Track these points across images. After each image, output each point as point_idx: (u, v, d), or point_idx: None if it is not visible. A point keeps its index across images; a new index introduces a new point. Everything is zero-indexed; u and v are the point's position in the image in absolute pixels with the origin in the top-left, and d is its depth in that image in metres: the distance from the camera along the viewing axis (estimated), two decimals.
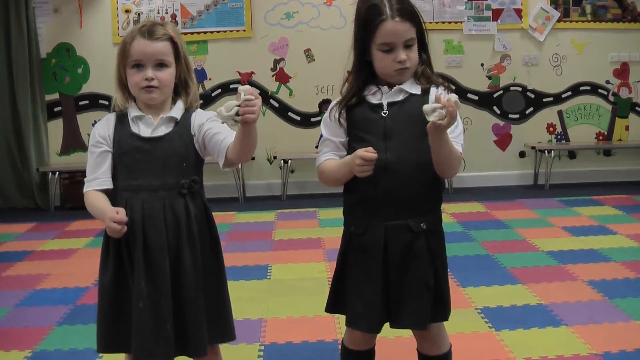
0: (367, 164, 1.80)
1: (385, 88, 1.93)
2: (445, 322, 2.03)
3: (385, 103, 1.91)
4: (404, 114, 1.90)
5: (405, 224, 1.91)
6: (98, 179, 1.93)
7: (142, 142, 1.92)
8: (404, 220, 1.91)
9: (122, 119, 1.95)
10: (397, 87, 1.92)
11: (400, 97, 1.92)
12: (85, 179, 1.96)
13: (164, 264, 1.90)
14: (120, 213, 1.82)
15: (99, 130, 1.95)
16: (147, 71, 1.88)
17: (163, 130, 1.94)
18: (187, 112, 1.98)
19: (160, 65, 1.90)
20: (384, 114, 1.91)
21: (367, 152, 1.80)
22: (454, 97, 1.75)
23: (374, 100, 1.93)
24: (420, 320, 1.93)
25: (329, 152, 1.97)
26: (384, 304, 1.93)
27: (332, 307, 2.05)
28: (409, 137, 1.88)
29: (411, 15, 1.88)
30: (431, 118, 1.74)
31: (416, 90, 1.93)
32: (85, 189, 1.95)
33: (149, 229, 1.89)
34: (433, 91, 1.92)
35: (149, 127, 1.93)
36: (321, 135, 2.02)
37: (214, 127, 1.93)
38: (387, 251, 1.92)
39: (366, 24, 1.89)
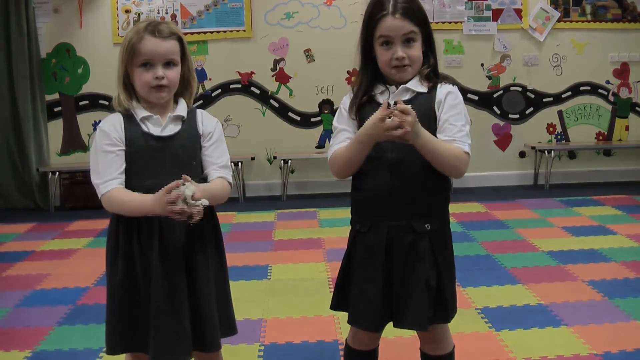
0: (380, 120, 1.78)
1: (392, 88, 1.93)
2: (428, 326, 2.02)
3: (392, 103, 1.91)
4: None
5: (408, 224, 1.91)
6: (117, 178, 1.87)
7: (155, 141, 1.91)
8: (407, 221, 1.91)
9: (130, 119, 1.93)
10: (403, 86, 1.92)
11: (406, 96, 1.92)
12: (99, 181, 1.87)
13: (179, 262, 1.91)
14: (171, 191, 1.75)
15: (111, 130, 1.90)
16: (157, 70, 1.88)
17: (172, 129, 1.94)
18: (191, 110, 2.00)
19: (169, 64, 1.90)
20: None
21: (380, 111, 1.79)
22: (400, 106, 1.75)
23: (381, 99, 1.92)
24: (420, 321, 1.92)
25: (344, 140, 1.94)
26: (386, 303, 1.93)
27: (337, 304, 2.05)
28: None
29: (415, 16, 1.88)
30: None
31: (422, 88, 1.93)
32: (104, 190, 1.86)
33: (165, 228, 1.90)
34: (439, 88, 1.93)
35: (157, 126, 1.93)
36: (329, 132, 2.02)
37: (213, 152, 1.97)
38: (390, 251, 1.92)
39: (369, 19, 1.91)
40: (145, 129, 1.92)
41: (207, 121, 2.00)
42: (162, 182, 1.84)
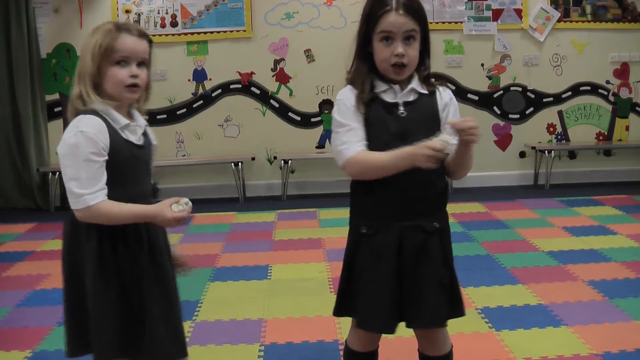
0: (437, 154, 1.77)
1: (397, 87, 1.91)
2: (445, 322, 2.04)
3: (401, 102, 1.91)
4: (417, 114, 1.90)
5: (418, 224, 1.91)
6: (104, 189, 1.80)
7: (137, 150, 1.90)
8: (416, 221, 1.91)
9: (109, 125, 1.85)
10: (409, 87, 1.92)
11: (412, 97, 1.92)
12: (85, 191, 1.77)
13: (169, 266, 1.93)
14: (176, 207, 1.79)
15: (99, 138, 1.79)
16: (133, 67, 1.84)
17: (141, 137, 1.93)
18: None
19: (141, 64, 1.87)
20: (402, 114, 1.89)
21: (437, 143, 1.78)
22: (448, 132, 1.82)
23: (387, 98, 1.91)
24: (436, 320, 1.95)
25: (359, 141, 1.88)
26: (396, 304, 1.93)
27: (340, 310, 2.03)
28: (422, 138, 1.84)
29: (416, 14, 1.88)
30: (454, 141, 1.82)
31: (424, 90, 1.94)
32: (93, 201, 1.77)
33: (152, 234, 1.90)
34: (443, 91, 1.95)
35: (133, 134, 1.89)
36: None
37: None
38: (400, 252, 1.92)
39: (370, 15, 1.90)
40: (125, 137, 1.87)
41: (152, 135, 2.02)
42: (143, 190, 1.88)
